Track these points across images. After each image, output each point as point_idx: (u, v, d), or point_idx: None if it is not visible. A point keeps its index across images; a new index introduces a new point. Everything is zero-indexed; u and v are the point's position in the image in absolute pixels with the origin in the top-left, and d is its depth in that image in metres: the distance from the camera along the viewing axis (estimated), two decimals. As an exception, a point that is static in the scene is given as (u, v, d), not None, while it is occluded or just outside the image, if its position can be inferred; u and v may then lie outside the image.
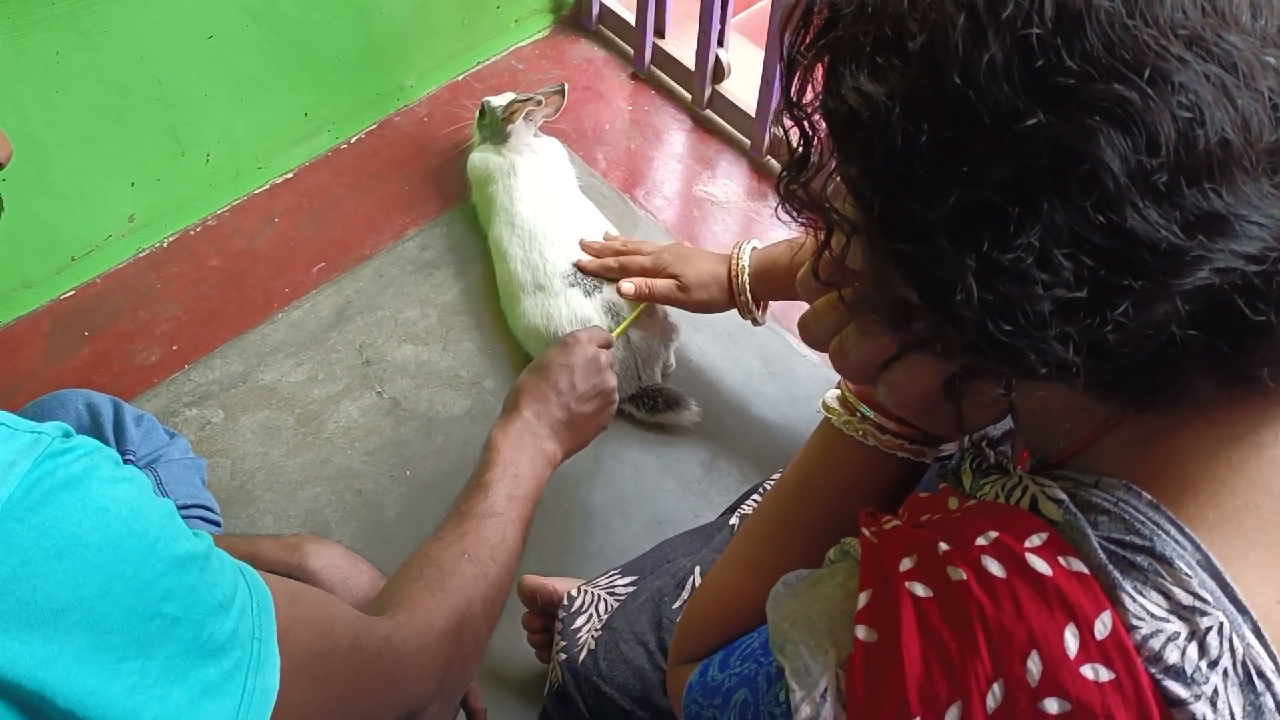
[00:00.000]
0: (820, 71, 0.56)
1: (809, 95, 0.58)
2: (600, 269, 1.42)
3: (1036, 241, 0.47)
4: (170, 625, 0.56)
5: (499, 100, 1.57)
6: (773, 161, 1.72)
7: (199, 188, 1.62)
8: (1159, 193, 0.46)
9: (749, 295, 1.30)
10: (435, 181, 1.71)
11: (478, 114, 1.61)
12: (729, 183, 1.72)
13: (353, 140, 1.75)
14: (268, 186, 1.69)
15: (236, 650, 0.60)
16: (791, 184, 0.59)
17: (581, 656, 0.98)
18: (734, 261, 1.30)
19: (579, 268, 1.43)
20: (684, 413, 1.42)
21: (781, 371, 1.50)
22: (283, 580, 0.70)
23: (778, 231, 1.64)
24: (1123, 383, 0.55)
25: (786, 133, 0.59)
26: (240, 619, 0.61)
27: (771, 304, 1.55)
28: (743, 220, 1.67)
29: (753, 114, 1.69)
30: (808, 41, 0.56)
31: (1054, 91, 0.46)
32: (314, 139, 1.71)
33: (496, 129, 1.57)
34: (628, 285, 1.38)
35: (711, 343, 1.53)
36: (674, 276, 1.35)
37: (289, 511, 1.37)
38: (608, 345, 1.23)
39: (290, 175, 1.71)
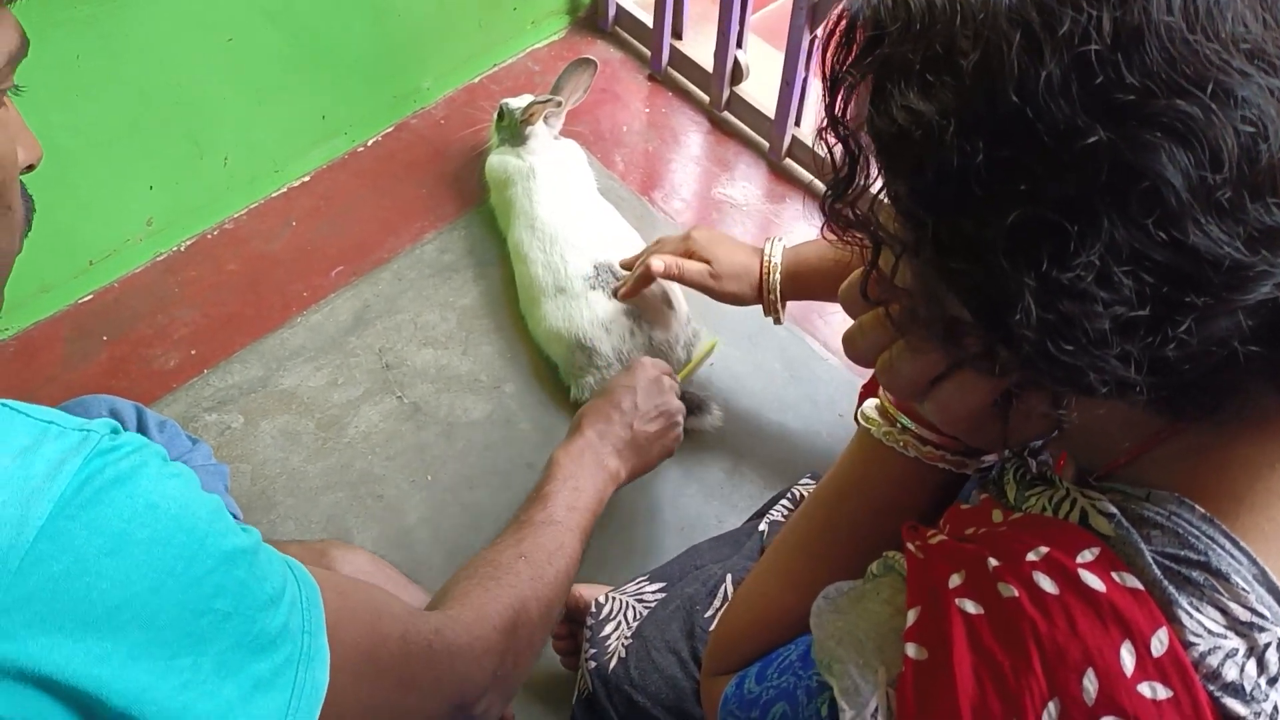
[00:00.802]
0: (861, 90, 0.55)
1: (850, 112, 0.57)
2: (630, 294, 1.39)
3: (1097, 259, 0.46)
4: (221, 620, 0.55)
5: (518, 102, 1.57)
6: (792, 164, 1.72)
7: (217, 191, 1.61)
8: (1221, 208, 0.46)
9: (779, 294, 1.28)
10: (453, 184, 1.70)
11: (496, 116, 1.60)
12: (748, 185, 1.71)
13: (370, 143, 1.75)
14: (285, 190, 1.69)
15: (287, 644, 0.59)
16: (836, 203, 0.58)
17: (612, 664, 0.97)
18: (766, 259, 1.28)
19: (617, 294, 1.41)
20: (706, 417, 1.41)
21: (803, 375, 1.49)
22: (329, 574, 0.69)
23: (796, 234, 1.64)
24: (1181, 398, 0.54)
25: (830, 150, 0.58)
26: (290, 613, 0.60)
27: (790, 305, 1.55)
28: (761, 222, 1.66)
29: (771, 116, 1.68)
30: (851, 60, 0.55)
31: (1114, 108, 0.45)
32: (331, 142, 1.71)
33: (515, 131, 1.56)
34: (657, 263, 1.34)
35: (732, 346, 1.52)
36: (706, 261, 1.32)
37: (310, 517, 1.37)
38: (670, 374, 1.24)
39: (307, 178, 1.70)
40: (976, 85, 0.47)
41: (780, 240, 1.30)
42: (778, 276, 1.28)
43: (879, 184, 0.56)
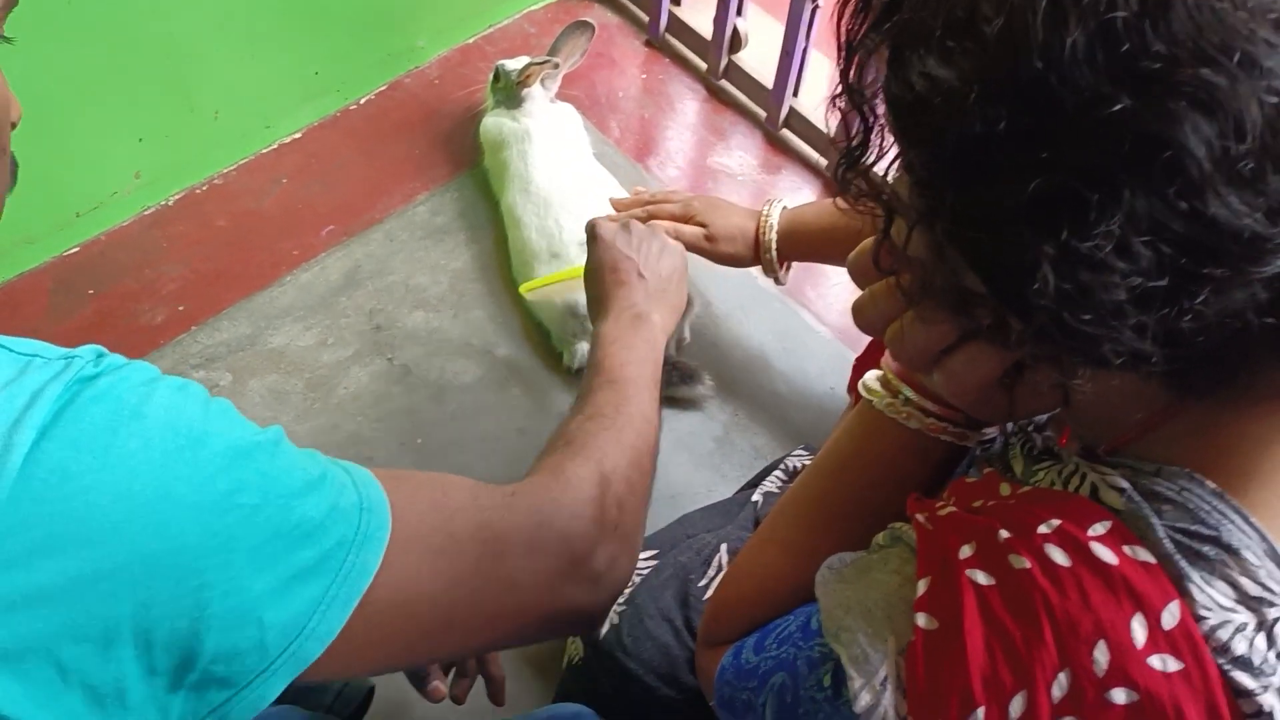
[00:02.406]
0: (877, 56, 0.55)
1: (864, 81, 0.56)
2: (624, 206, 1.40)
3: (1117, 229, 0.46)
4: (251, 514, 0.53)
5: (514, 64, 1.55)
6: (789, 135, 1.71)
7: (206, 145, 1.59)
8: (1243, 180, 0.45)
9: (774, 254, 1.28)
10: (446, 145, 1.68)
11: (492, 77, 1.58)
12: (743, 155, 1.70)
13: (362, 101, 1.72)
14: (276, 146, 1.66)
15: (339, 526, 0.57)
16: (849, 172, 0.58)
17: (604, 631, 0.97)
18: (763, 219, 1.28)
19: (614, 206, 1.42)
20: (697, 386, 1.41)
21: (794, 347, 1.49)
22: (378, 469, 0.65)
23: (793, 203, 1.63)
24: (1193, 371, 0.54)
25: (844, 118, 0.57)
26: (339, 494, 0.58)
27: (789, 272, 1.55)
28: (756, 192, 1.65)
29: (769, 86, 1.67)
30: (868, 25, 0.54)
31: (1139, 76, 0.45)
32: (323, 99, 1.68)
33: (511, 93, 1.55)
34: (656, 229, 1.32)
35: (725, 317, 1.51)
36: (702, 225, 1.32)
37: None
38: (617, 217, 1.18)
39: (299, 135, 1.68)
40: (1000, 52, 0.47)
41: (780, 202, 1.30)
42: (773, 237, 1.27)
43: (893, 152, 0.56)
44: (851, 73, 0.56)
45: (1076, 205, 0.46)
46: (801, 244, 1.28)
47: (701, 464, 1.38)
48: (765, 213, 1.29)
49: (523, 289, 1.39)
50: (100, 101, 1.42)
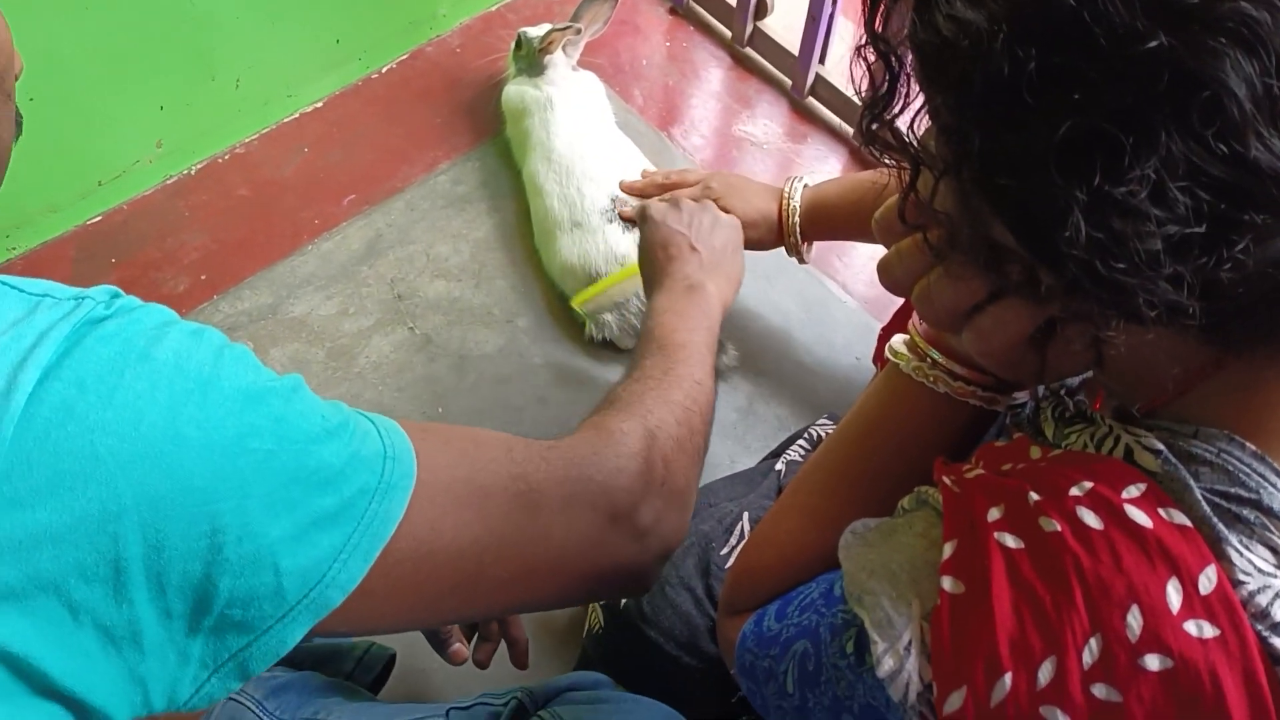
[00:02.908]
0: (902, 2, 0.53)
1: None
2: (644, 190, 1.37)
3: (1152, 174, 0.44)
4: (265, 459, 0.52)
5: (536, 31, 1.53)
6: (815, 103, 1.68)
7: (228, 114, 1.58)
8: None
9: (799, 235, 1.25)
10: (468, 114, 1.67)
11: (514, 45, 1.57)
12: (769, 123, 1.68)
13: (384, 70, 1.71)
14: (297, 115, 1.65)
15: (360, 474, 0.56)
16: (874, 123, 0.56)
17: (623, 600, 0.97)
18: (785, 201, 1.25)
19: (624, 189, 1.39)
20: (721, 357, 1.39)
21: (820, 317, 1.47)
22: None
23: (819, 173, 1.61)
24: (1232, 325, 0.51)
25: (869, 68, 0.55)
26: (362, 441, 0.57)
27: (812, 250, 1.53)
28: (781, 161, 1.63)
29: (795, 53, 1.64)
30: None
31: (1176, 11, 0.43)
32: (344, 67, 1.67)
33: (533, 61, 1.53)
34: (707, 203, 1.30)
35: (748, 286, 1.48)
36: (725, 210, 1.26)
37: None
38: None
39: (320, 104, 1.67)
40: None
41: (802, 179, 1.27)
42: (797, 219, 1.24)
43: (919, 102, 0.54)
44: (877, 21, 0.54)
45: (1109, 149, 0.44)
46: (825, 223, 1.24)
47: (725, 434, 1.37)
48: (787, 192, 1.25)
49: (575, 302, 1.38)
50: (122, 70, 1.42)
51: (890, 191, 0.61)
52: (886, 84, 0.55)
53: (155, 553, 0.49)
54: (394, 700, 1.05)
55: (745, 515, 0.98)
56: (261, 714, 0.96)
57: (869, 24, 0.55)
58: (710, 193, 1.28)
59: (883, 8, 0.54)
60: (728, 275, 1.03)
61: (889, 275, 0.64)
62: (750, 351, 1.43)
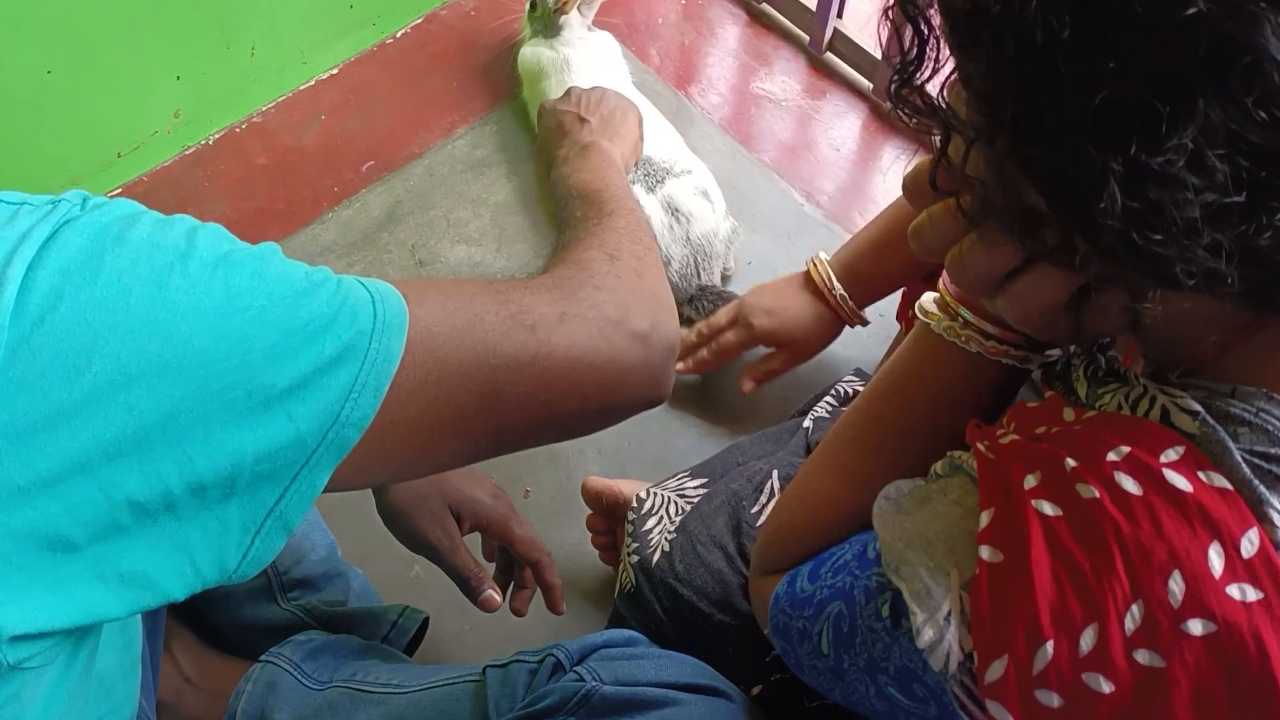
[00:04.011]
0: None
1: None
2: (699, 367, 1.31)
3: (1190, 142, 0.43)
4: (259, 315, 0.54)
5: (551, -8, 1.52)
6: (833, 58, 1.67)
7: (244, 82, 1.58)
8: None
9: (851, 309, 1.22)
10: (484, 77, 1.66)
11: (528, 7, 1.56)
12: (787, 80, 1.66)
13: (399, 34, 1.70)
14: (313, 82, 1.65)
15: (355, 319, 0.57)
16: (903, 88, 0.54)
17: (655, 558, 0.97)
18: (830, 296, 1.21)
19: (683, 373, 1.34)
20: (744, 316, 1.39)
21: (842, 275, 1.47)
22: None
23: (837, 131, 1.60)
24: (1272, 290, 0.51)
25: (898, 31, 0.54)
26: (348, 291, 0.58)
27: (830, 203, 1.52)
28: (800, 118, 1.62)
29: (813, 8, 1.63)
30: None
31: None
32: (359, 32, 1.66)
33: (549, 22, 1.52)
34: (748, 384, 1.29)
35: (771, 244, 1.49)
36: (782, 345, 1.25)
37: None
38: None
39: (335, 71, 1.66)
40: None
41: (821, 257, 1.23)
42: (843, 296, 1.21)
43: (949, 65, 0.53)
44: None
45: (1146, 117, 0.43)
46: (872, 278, 1.20)
47: (748, 395, 1.37)
48: (821, 278, 1.21)
49: None
50: (138, 40, 1.41)
51: (911, 219, 0.60)
52: (916, 48, 0.54)
53: (172, 421, 0.51)
54: (428, 663, 1.07)
55: (775, 473, 0.98)
56: (300, 676, 0.98)
57: None
58: (754, 331, 1.25)
59: None
60: (621, 135, 1.03)
61: (921, 241, 0.62)
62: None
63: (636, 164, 1.05)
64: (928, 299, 0.73)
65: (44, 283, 0.49)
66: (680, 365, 1.31)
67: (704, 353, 1.30)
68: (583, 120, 1.02)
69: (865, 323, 1.25)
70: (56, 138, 1.43)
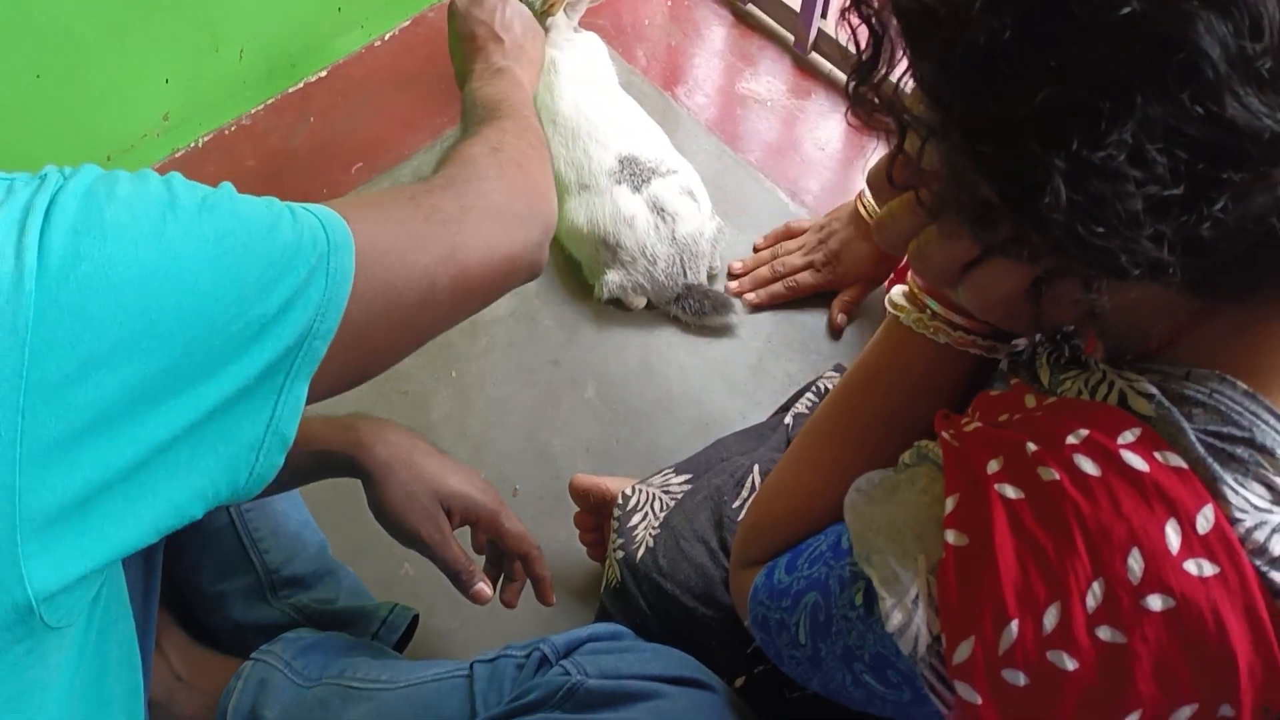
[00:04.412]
0: None
1: None
2: (766, 298, 1.44)
3: (1129, 137, 0.45)
4: (245, 252, 0.58)
5: (537, -6, 1.53)
6: (818, 58, 1.68)
7: (233, 85, 1.59)
8: (1261, 79, 0.44)
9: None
10: (472, 79, 1.67)
11: (515, 8, 1.56)
12: (772, 80, 1.67)
13: (387, 37, 1.71)
14: (302, 85, 1.66)
15: (314, 244, 0.62)
16: (860, 86, 0.56)
17: (640, 554, 0.99)
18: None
19: (739, 294, 1.45)
20: (730, 315, 1.41)
21: (827, 272, 1.48)
22: None
23: (822, 130, 1.61)
24: (1217, 279, 0.53)
25: (854, 32, 0.56)
26: (297, 217, 0.63)
27: (816, 202, 1.54)
28: (786, 118, 1.63)
29: (797, 8, 1.64)
30: None
31: None
32: (347, 35, 1.67)
33: (536, 24, 1.53)
34: (840, 318, 1.41)
35: (755, 241, 1.50)
36: (853, 281, 1.40)
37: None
38: None
39: (324, 73, 1.67)
40: None
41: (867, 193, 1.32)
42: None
43: (904, 66, 0.54)
44: None
45: (1087, 114, 0.45)
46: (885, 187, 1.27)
47: (736, 391, 1.38)
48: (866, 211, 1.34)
49: None
50: (126, 40, 1.42)
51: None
52: (871, 48, 0.55)
53: (187, 359, 0.55)
54: (418, 659, 1.08)
55: (756, 468, 0.99)
56: (290, 674, 0.99)
57: None
58: (828, 272, 1.41)
59: None
60: (530, 60, 1.12)
61: (883, 234, 0.64)
62: (758, 309, 1.44)
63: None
64: (897, 292, 0.75)
65: (59, 244, 0.52)
66: (753, 296, 1.44)
67: (779, 286, 1.43)
68: (499, 38, 1.09)
69: None
70: (46, 142, 1.43)
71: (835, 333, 1.42)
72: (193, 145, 1.59)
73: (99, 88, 1.43)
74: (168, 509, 0.57)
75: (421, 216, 0.73)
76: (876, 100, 0.56)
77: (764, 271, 1.44)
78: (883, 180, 0.61)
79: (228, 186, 0.63)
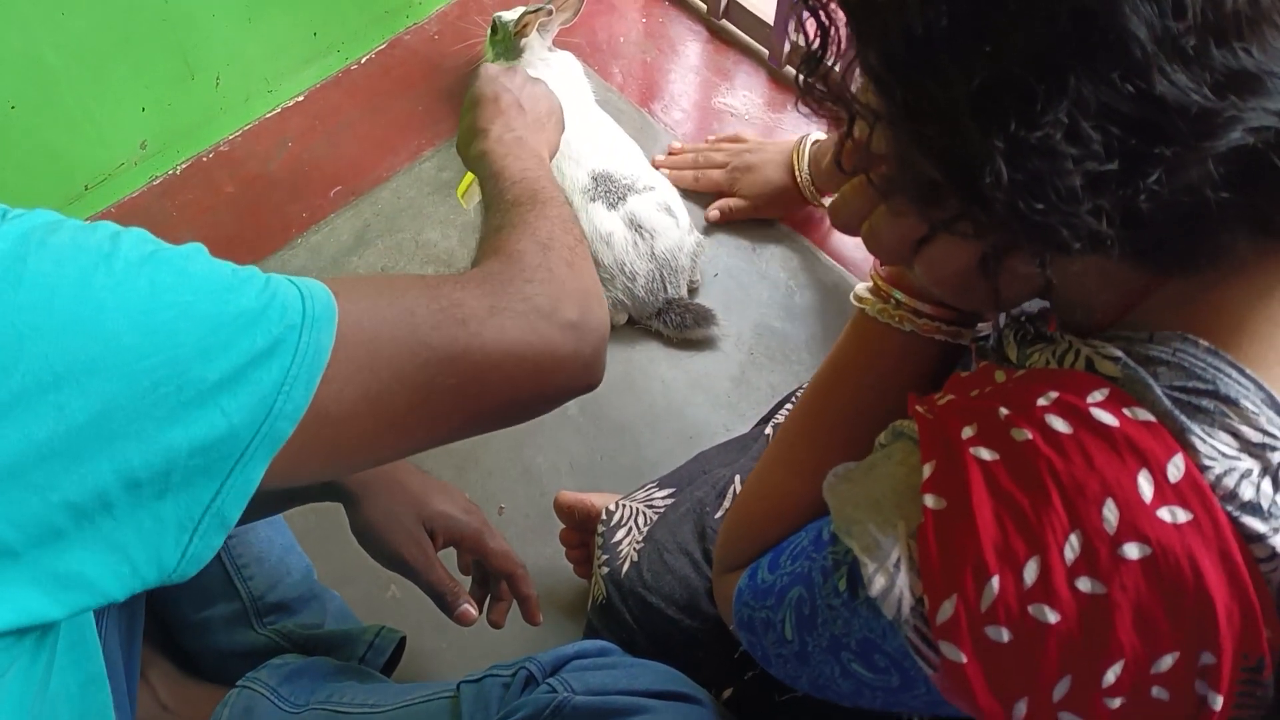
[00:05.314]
0: None
1: None
2: (677, 180, 1.52)
3: (1064, 116, 0.47)
4: (186, 310, 0.54)
5: (510, 15, 1.54)
6: (793, 71, 1.69)
7: (210, 112, 1.59)
8: (1187, 56, 0.46)
9: (814, 192, 1.40)
10: (449, 100, 1.68)
11: (490, 31, 1.57)
12: (748, 94, 1.68)
13: (363, 60, 1.72)
14: (279, 110, 1.66)
15: (285, 314, 0.58)
16: (810, 76, 0.58)
17: (625, 569, 0.98)
18: (797, 173, 1.40)
19: (657, 166, 1.53)
20: (712, 328, 1.41)
21: (806, 282, 1.49)
22: None
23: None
24: (1158, 249, 0.55)
25: (802, 25, 0.58)
26: (276, 287, 0.59)
27: (788, 214, 1.54)
28: (763, 131, 1.64)
29: (771, 22, 1.65)
30: None
31: None
32: (324, 59, 1.68)
33: (510, 44, 1.54)
34: (713, 213, 1.51)
35: (735, 255, 1.51)
36: (745, 198, 1.48)
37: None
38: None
39: (301, 98, 1.67)
40: None
41: (810, 137, 1.39)
42: (811, 189, 1.40)
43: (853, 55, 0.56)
44: None
45: (1022, 95, 0.47)
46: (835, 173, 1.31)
47: (719, 404, 1.39)
48: (797, 159, 1.40)
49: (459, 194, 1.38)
50: (101, 70, 1.42)
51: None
52: (819, 38, 0.57)
53: (104, 420, 0.51)
54: (406, 682, 1.07)
55: (736, 478, 0.99)
56: (276, 700, 0.98)
57: None
58: (734, 180, 1.49)
59: None
60: (548, 141, 1.05)
61: (837, 217, 0.67)
62: (741, 320, 1.45)
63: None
64: (861, 286, 0.76)
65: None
66: (667, 172, 1.52)
67: (690, 173, 1.53)
68: (522, 108, 1.03)
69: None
70: (22, 172, 1.43)
71: (707, 224, 1.51)
72: (171, 172, 1.59)
73: (74, 118, 1.43)
74: (77, 583, 0.53)
75: (436, 308, 0.66)
76: (825, 89, 0.58)
77: (688, 157, 1.55)
78: (833, 168, 0.63)
79: (196, 247, 0.59)
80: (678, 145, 1.58)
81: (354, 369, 0.60)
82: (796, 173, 1.42)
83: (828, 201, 1.33)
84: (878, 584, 0.58)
